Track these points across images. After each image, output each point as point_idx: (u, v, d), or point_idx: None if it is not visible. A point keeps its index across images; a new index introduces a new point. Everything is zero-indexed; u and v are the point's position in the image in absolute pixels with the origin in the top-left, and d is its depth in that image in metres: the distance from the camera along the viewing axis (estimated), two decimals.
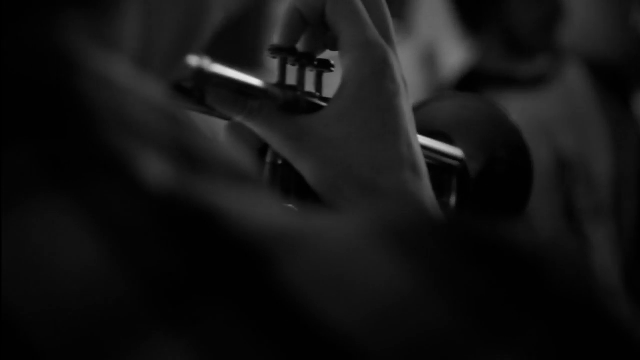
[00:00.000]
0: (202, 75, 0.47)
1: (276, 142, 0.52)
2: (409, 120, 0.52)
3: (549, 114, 1.74)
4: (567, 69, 1.80)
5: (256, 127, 0.52)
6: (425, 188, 0.51)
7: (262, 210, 0.27)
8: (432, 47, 2.57)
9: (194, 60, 0.46)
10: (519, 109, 1.46)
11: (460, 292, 0.24)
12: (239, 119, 0.51)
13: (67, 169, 0.27)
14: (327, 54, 0.57)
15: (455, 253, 0.25)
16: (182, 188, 0.27)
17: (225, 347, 0.23)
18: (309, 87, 0.56)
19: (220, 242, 0.25)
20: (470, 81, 1.73)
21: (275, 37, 0.54)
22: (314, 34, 0.55)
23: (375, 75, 0.51)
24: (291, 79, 0.55)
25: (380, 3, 0.54)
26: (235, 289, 0.24)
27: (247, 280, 0.24)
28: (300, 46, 0.55)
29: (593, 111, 1.82)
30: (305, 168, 0.51)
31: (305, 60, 0.54)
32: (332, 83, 0.56)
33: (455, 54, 2.23)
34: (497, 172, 0.65)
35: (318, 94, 0.55)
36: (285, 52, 0.54)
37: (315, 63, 0.55)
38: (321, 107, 0.53)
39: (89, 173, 0.27)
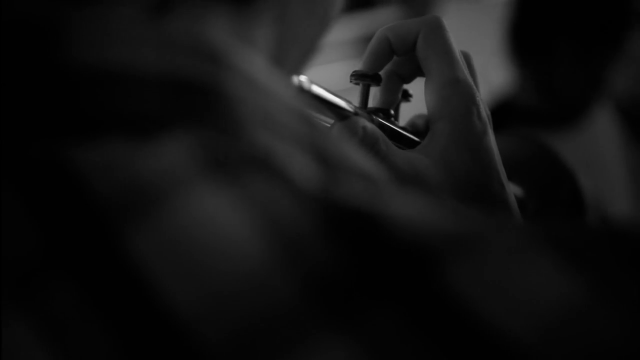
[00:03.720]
0: (301, 93, 0.47)
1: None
2: (498, 159, 0.51)
3: (571, 156, 1.74)
4: (599, 112, 1.80)
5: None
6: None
7: (423, 212, 0.26)
8: None
9: (295, 79, 0.47)
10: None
11: (634, 305, 0.23)
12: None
13: (224, 163, 0.26)
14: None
15: (626, 264, 0.24)
16: (331, 188, 0.27)
17: (390, 348, 0.23)
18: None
19: (385, 244, 0.24)
20: (502, 113, 1.73)
21: (361, 62, 0.55)
22: (402, 61, 0.55)
23: (466, 115, 0.50)
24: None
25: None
26: (402, 291, 0.24)
27: (414, 283, 0.24)
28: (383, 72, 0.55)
29: (616, 156, 1.83)
30: None
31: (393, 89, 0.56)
32: None
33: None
34: (554, 212, 0.66)
35: (404, 126, 0.56)
36: (369, 79, 0.55)
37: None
38: (414, 141, 0.53)
39: (246, 169, 0.26)
